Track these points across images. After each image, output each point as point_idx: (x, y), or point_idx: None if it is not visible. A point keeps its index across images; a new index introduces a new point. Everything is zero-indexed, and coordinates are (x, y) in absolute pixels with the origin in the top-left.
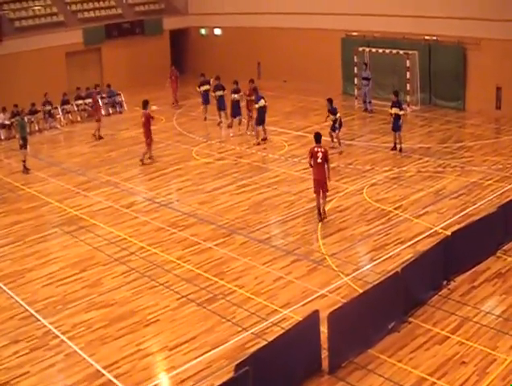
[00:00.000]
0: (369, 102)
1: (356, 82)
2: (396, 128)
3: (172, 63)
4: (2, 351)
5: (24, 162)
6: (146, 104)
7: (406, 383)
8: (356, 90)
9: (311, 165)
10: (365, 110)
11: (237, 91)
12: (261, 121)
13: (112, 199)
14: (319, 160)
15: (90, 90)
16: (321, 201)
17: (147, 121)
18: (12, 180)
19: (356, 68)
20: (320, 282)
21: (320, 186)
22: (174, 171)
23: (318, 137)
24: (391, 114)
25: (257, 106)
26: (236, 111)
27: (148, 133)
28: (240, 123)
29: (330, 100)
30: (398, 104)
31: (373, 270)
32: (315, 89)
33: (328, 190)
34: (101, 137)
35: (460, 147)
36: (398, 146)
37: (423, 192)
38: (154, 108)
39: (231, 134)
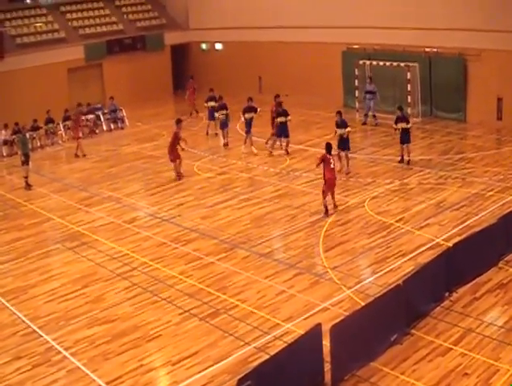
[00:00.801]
0: (374, 116)
1: (357, 95)
2: (405, 140)
3: (191, 75)
4: (5, 367)
5: (26, 178)
6: (178, 122)
7: None
8: (357, 103)
9: (317, 165)
10: (364, 124)
11: (250, 109)
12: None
13: (114, 214)
14: (331, 166)
15: (91, 106)
16: (331, 197)
17: (175, 138)
18: (14, 196)
19: (357, 81)
20: (323, 295)
21: (333, 186)
22: (176, 186)
23: (329, 147)
24: (396, 129)
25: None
26: (248, 129)
27: (172, 150)
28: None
29: (340, 113)
30: (403, 118)
31: (375, 283)
32: (317, 103)
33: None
34: (84, 155)
35: (461, 158)
36: (405, 159)
37: (425, 204)
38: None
39: (255, 151)
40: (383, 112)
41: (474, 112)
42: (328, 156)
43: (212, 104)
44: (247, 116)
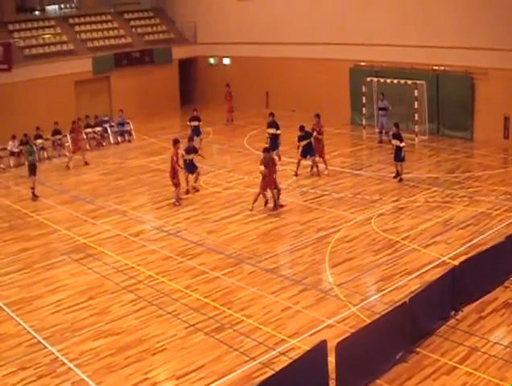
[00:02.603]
0: (387, 132)
1: (364, 112)
2: (398, 159)
3: (227, 83)
4: (10, 377)
5: (33, 189)
6: (175, 143)
7: None
8: (364, 120)
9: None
10: (380, 141)
11: (272, 124)
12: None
13: (120, 227)
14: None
15: (99, 118)
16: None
17: (173, 161)
18: (21, 207)
19: (364, 98)
20: (328, 312)
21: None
22: (182, 200)
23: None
24: (393, 145)
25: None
26: (272, 145)
27: (175, 175)
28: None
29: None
30: (398, 136)
31: (380, 300)
32: (324, 119)
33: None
34: (68, 168)
35: (468, 177)
36: (398, 177)
37: (431, 222)
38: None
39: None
40: (390, 130)
41: (481, 130)
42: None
43: (195, 124)
44: (270, 131)
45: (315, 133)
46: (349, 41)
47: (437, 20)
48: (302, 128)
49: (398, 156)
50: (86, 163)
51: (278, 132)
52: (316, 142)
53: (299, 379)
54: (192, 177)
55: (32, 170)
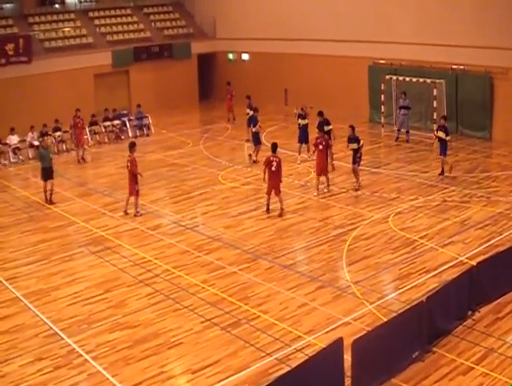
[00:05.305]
0: (407, 132)
1: (383, 110)
2: (442, 152)
3: (228, 81)
4: (27, 367)
5: (51, 191)
6: (132, 146)
7: None
8: (383, 118)
9: (264, 172)
10: (397, 139)
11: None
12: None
13: (138, 220)
14: (273, 168)
15: (117, 112)
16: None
17: (132, 166)
18: (39, 199)
19: (383, 96)
20: (345, 310)
21: (273, 188)
22: (200, 195)
23: (274, 147)
24: (436, 137)
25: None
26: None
27: (134, 181)
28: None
29: (352, 127)
30: (444, 128)
31: (397, 299)
32: (342, 116)
33: (280, 192)
34: (84, 160)
35: (486, 177)
36: (445, 168)
37: (449, 222)
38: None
39: (298, 161)
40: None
41: (500, 130)
42: (270, 158)
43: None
44: (301, 122)
45: (320, 147)
46: (369, 38)
47: (457, 19)
48: (320, 113)
49: (443, 150)
50: (83, 160)
51: (306, 121)
52: (319, 156)
53: (314, 376)
54: (255, 149)
55: (47, 174)
